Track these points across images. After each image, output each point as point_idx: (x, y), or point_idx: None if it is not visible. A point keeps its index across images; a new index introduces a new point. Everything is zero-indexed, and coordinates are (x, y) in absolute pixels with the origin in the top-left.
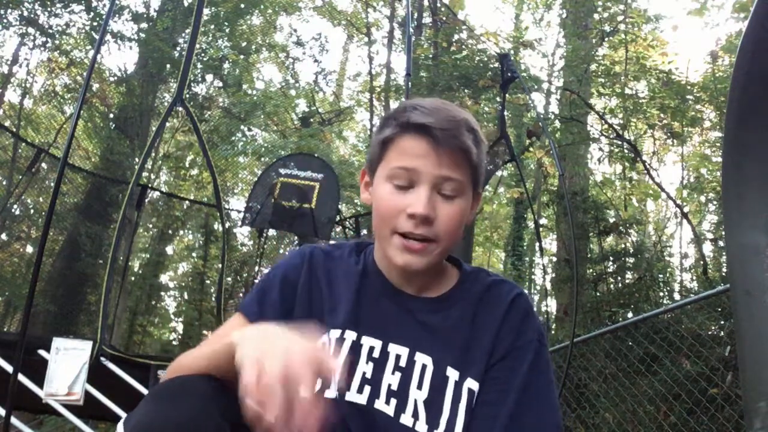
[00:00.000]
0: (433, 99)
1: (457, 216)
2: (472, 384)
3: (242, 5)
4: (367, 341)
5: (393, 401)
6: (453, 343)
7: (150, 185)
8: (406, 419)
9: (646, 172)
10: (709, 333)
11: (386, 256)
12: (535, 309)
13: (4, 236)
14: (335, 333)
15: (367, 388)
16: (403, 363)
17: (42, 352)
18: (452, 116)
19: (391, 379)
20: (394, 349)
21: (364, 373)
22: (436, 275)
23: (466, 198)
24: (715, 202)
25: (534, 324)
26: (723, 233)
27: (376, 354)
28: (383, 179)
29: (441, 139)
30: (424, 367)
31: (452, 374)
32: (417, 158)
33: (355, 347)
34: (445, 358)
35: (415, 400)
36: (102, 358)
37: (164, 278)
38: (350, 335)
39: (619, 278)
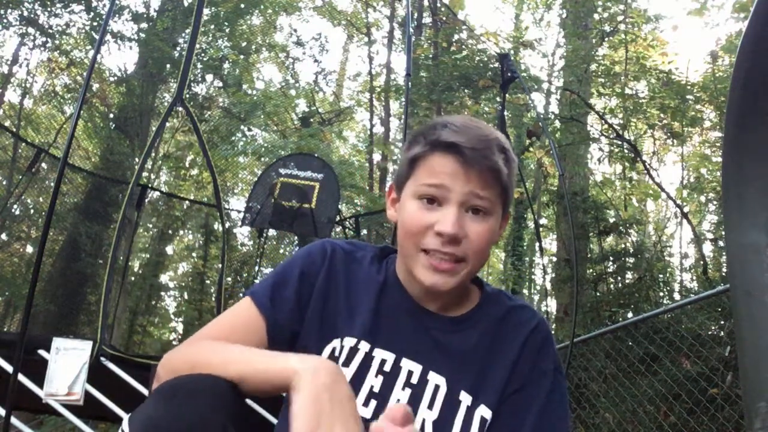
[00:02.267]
0: (464, 117)
1: (486, 234)
2: (485, 412)
3: (242, 5)
4: (380, 354)
5: None
6: (469, 366)
7: (150, 185)
8: None
9: (646, 172)
10: (709, 333)
11: (412, 274)
12: (552, 334)
13: (4, 236)
14: (350, 341)
15: (373, 402)
16: (414, 380)
17: (42, 352)
18: (483, 135)
19: (400, 395)
20: (407, 364)
21: (372, 387)
22: (459, 295)
23: (496, 218)
24: (715, 202)
25: (552, 353)
26: (723, 233)
27: (387, 368)
28: (411, 196)
29: (471, 158)
30: (437, 387)
31: (465, 399)
32: (446, 176)
33: (367, 359)
34: (459, 381)
35: (424, 420)
36: (102, 358)
37: (164, 278)
38: (364, 346)
39: (619, 278)
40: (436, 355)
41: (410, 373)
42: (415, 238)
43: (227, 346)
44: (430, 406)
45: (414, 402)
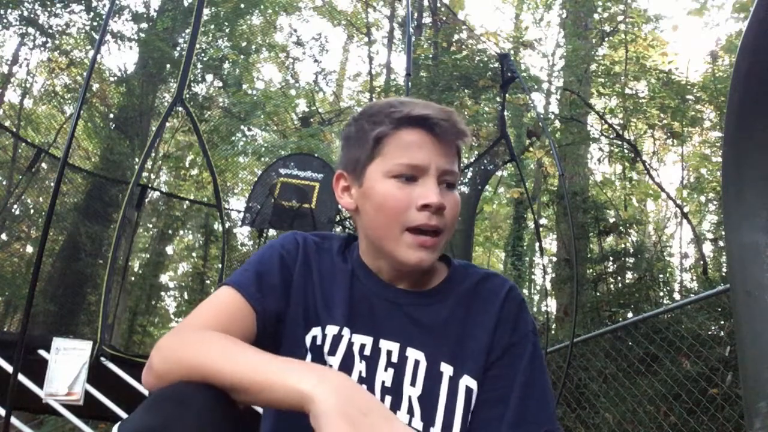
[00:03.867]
0: (430, 103)
1: (457, 205)
2: (469, 382)
3: (242, 5)
4: (358, 339)
5: (387, 398)
6: (446, 338)
7: (150, 185)
8: (401, 416)
9: (646, 172)
10: (709, 333)
11: (391, 256)
12: (527, 303)
13: (4, 236)
14: (332, 329)
15: (363, 387)
16: (395, 359)
17: (42, 352)
18: (444, 108)
19: (384, 376)
20: (385, 345)
21: (360, 372)
22: (429, 270)
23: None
24: (715, 202)
25: (528, 317)
26: (723, 233)
27: (367, 351)
28: (382, 176)
29: (444, 129)
30: (417, 362)
31: (446, 369)
32: (420, 150)
33: (349, 346)
34: (438, 354)
35: (410, 397)
36: (102, 358)
37: (164, 278)
38: (346, 333)
39: (619, 278)
40: (412, 331)
41: (389, 353)
42: (399, 217)
43: (232, 345)
44: (413, 383)
45: (397, 381)
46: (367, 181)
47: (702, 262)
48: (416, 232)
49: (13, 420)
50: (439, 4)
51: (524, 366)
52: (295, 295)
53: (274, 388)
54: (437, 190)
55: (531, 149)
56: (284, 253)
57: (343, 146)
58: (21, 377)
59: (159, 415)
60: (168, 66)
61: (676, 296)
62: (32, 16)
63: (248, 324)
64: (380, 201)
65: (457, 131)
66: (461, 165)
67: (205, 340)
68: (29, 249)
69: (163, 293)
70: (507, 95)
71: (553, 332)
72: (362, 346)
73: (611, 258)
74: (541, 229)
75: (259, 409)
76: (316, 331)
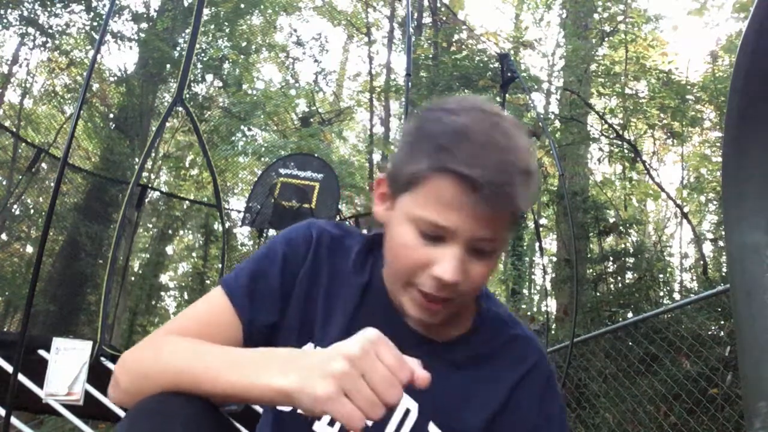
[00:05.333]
0: (483, 115)
1: (487, 273)
2: None
3: (242, 5)
4: None
5: None
6: (446, 399)
7: (150, 185)
8: None
9: (646, 172)
10: (709, 333)
11: (397, 299)
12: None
13: (4, 236)
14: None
15: (338, 424)
16: None
17: (42, 352)
18: (507, 161)
19: None
20: None
21: None
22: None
23: (501, 248)
24: (715, 202)
25: (556, 395)
26: (723, 233)
27: None
28: (405, 218)
29: (488, 197)
30: (407, 411)
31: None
32: (453, 211)
33: None
34: (431, 413)
35: None
36: (102, 358)
37: (164, 278)
38: None
39: (619, 278)
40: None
41: None
42: (407, 273)
43: (206, 348)
44: (397, 430)
45: (380, 425)
46: (396, 209)
47: (702, 262)
48: (423, 297)
49: (13, 420)
50: (439, 4)
51: None
52: (295, 303)
53: (254, 391)
54: (457, 263)
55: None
56: (289, 253)
57: (398, 142)
58: (21, 377)
59: (143, 431)
60: (168, 66)
61: (676, 296)
62: (32, 16)
63: (232, 335)
64: (395, 245)
65: (510, 200)
66: (518, 224)
67: (171, 349)
68: (29, 249)
69: (163, 293)
70: (507, 95)
71: (553, 332)
72: None
73: (611, 258)
74: (541, 229)
75: (259, 409)
76: (309, 347)
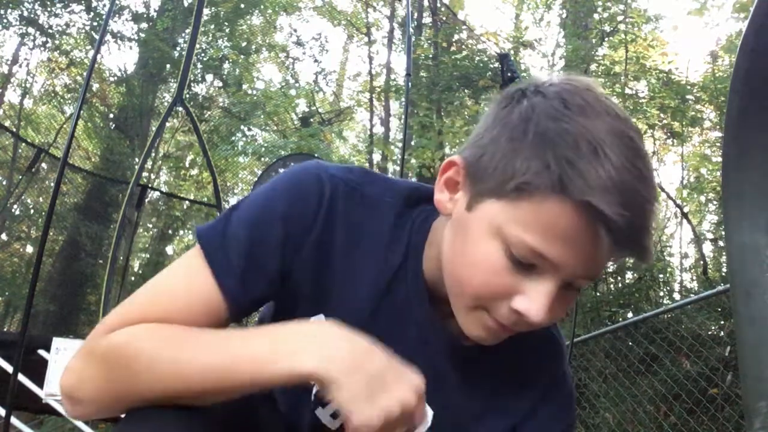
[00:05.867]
0: (626, 137)
1: (565, 308)
2: None
3: (242, 5)
4: None
5: None
6: (461, 409)
7: (150, 185)
8: None
9: None
10: (709, 333)
11: (454, 311)
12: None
13: (4, 236)
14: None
15: None
16: None
17: (42, 352)
18: (646, 199)
19: None
20: None
21: None
22: None
23: None
24: (715, 202)
25: (574, 408)
26: (723, 233)
27: None
28: (492, 231)
29: (619, 241)
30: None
31: None
32: (567, 247)
33: None
34: (445, 421)
35: None
36: None
37: None
38: None
39: (619, 278)
40: (432, 380)
41: None
42: (481, 296)
43: (195, 339)
44: None
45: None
46: (478, 212)
47: (702, 262)
48: (495, 323)
49: (13, 420)
50: (439, 4)
51: None
52: (299, 277)
53: (264, 377)
54: (548, 303)
55: None
56: (295, 213)
57: (491, 125)
58: (21, 377)
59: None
60: (168, 66)
61: (676, 296)
62: (32, 16)
63: (220, 317)
64: (471, 261)
65: (639, 245)
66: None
67: (165, 333)
68: (29, 249)
69: None
70: None
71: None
72: None
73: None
74: None
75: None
76: (321, 317)
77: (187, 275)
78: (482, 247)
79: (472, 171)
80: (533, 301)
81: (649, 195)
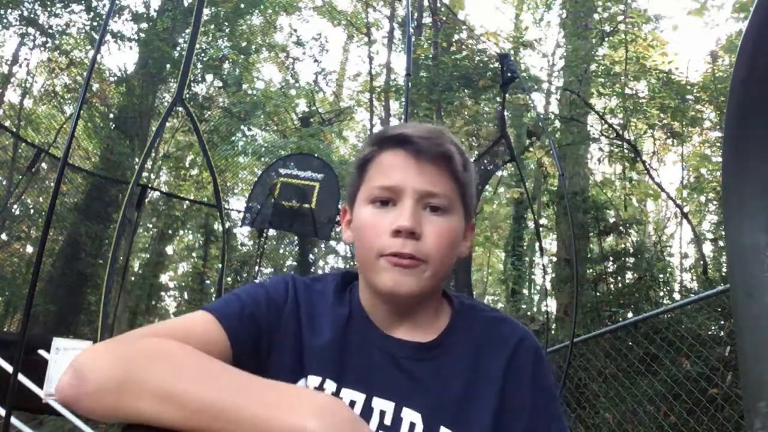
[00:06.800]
0: (412, 123)
1: (446, 233)
2: None
3: (242, 5)
4: (348, 395)
5: None
6: (447, 397)
7: (150, 185)
8: None
9: (646, 172)
10: (709, 333)
11: (373, 286)
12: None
13: (4, 236)
14: (314, 380)
15: None
16: (388, 420)
17: (42, 352)
18: (432, 128)
19: None
20: (378, 404)
21: None
22: (428, 311)
23: (457, 217)
24: (715, 202)
25: (547, 369)
26: (723, 233)
27: (357, 409)
28: (363, 202)
29: (422, 147)
30: (412, 425)
31: None
32: (398, 171)
33: None
34: (437, 416)
35: None
36: None
37: (164, 278)
38: (330, 386)
39: (619, 278)
40: (409, 389)
41: (383, 414)
42: (373, 244)
43: (207, 361)
44: None
45: None
46: (355, 210)
47: (702, 262)
48: (392, 257)
49: (13, 420)
50: (439, 4)
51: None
52: (282, 340)
53: (258, 424)
54: (411, 213)
55: (531, 149)
56: (272, 292)
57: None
58: (21, 377)
59: None
60: (168, 66)
61: (676, 296)
62: (32, 16)
63: (222, 352)
64: (359, 229)
65: (440, 151)
66: (468, 190)
67: (179, 357)
68: (29, 249)
69: (163, 293)
70: (507, 95)
71: (553, 332)
72: (352, 404)
73: (611, 258)
74: (541, 229)
75: None
76: (300, 383)
77: (191, 319)
78: (360, 216)
79: (349, 201)
80: (399, 216)
81: (433, 127)
